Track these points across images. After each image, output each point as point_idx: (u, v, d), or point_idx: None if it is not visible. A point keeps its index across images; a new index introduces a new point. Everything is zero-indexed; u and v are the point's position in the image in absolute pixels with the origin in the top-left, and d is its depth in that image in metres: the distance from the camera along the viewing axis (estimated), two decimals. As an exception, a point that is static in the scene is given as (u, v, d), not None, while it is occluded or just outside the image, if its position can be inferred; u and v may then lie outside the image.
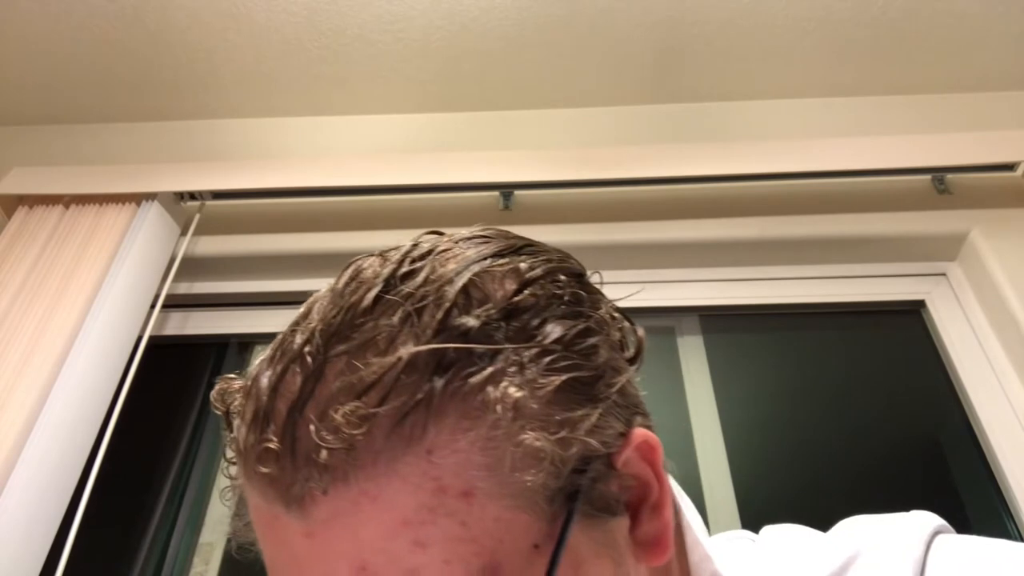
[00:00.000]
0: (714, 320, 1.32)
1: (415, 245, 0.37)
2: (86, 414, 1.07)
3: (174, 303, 1.35)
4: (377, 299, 0.33)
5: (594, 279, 0.40)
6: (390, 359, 0.31)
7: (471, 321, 0.32)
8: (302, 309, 0.37)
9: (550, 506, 0.32)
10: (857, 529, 0.41)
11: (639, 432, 0.36)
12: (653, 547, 0.36)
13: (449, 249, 0.36)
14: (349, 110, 1.50)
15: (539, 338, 0.34)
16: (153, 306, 1.24)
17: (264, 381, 0.33)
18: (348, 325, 0.33)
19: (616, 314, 0.40)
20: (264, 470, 0.32)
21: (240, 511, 0.37)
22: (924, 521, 0.39)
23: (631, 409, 0.37)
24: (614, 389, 0.36)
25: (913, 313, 1.32)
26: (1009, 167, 1.27)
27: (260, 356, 0.36)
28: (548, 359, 0.33)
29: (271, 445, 0.31)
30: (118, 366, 1.15)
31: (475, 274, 0.34)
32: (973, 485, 1.14)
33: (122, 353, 1.16)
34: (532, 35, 1.36)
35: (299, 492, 0.31)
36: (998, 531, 1.08)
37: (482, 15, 1.33)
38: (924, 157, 1.25)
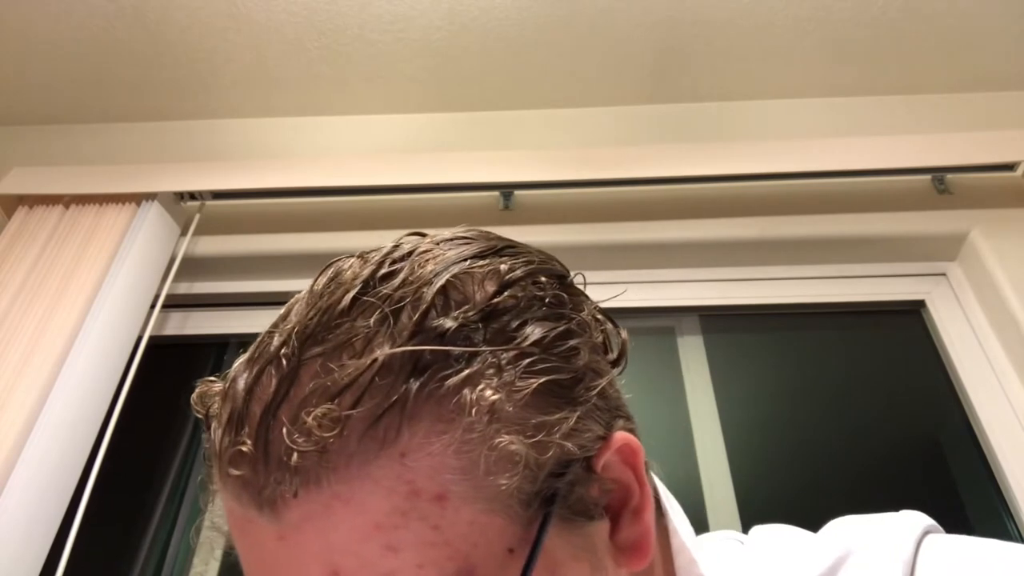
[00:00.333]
0: (714, 320, 1.32)
1: (396, 246, 0.36)
2: (86, 414, 1.07)
3: (174, 303, 1.35)
4: (354, 300, 0.33)
5: (577, 280, 0.40)
6: (365, 361, 0.31)
7: (449, 323, 0.32)
8: (282, 310, 0.36)
9: (526, 510, 0.32)
10: (847, 529, 0.41)
11: (620, 436, 0.36)
12: (633, 551, 0.36)
13: (429, 250, 0.36)
14: (349, 110, 1.50)
15: (518, 340, 0.33)
16: (153, 306, 1.24)
17: (241, 383, 0.33)
18: (324, 327, 0.32)
19: (600, 316, 0.39)
20: (237, 473, 0.31)
21: (214, 516, 0.37)
22: (914, 521, 0.39)
23: (612, 412, 0.37)
24: (594, 392, 0.35)
25: (913, 313, 1.32)
26: (1009, 167, 1.27)
27: (240, 359, 0.36)
28: (526, 361, 0.33)
29: (244, 448, 0.31)
30: (118, 366, 1.15)
31: (454, 275, 0.34)
32: (973, 485, 1.14)
33: (122, 353, 1.16)
34: (532, 35, 1.36)
35: (271, 495, 0.31)
36: (998, 531, 1.09)
37: (482, 15, 1.33)
38: (924, 157, 1.25)
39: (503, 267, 0.36)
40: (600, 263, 1.30)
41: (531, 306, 0.35)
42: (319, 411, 0.30)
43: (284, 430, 0.30)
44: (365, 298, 0.33)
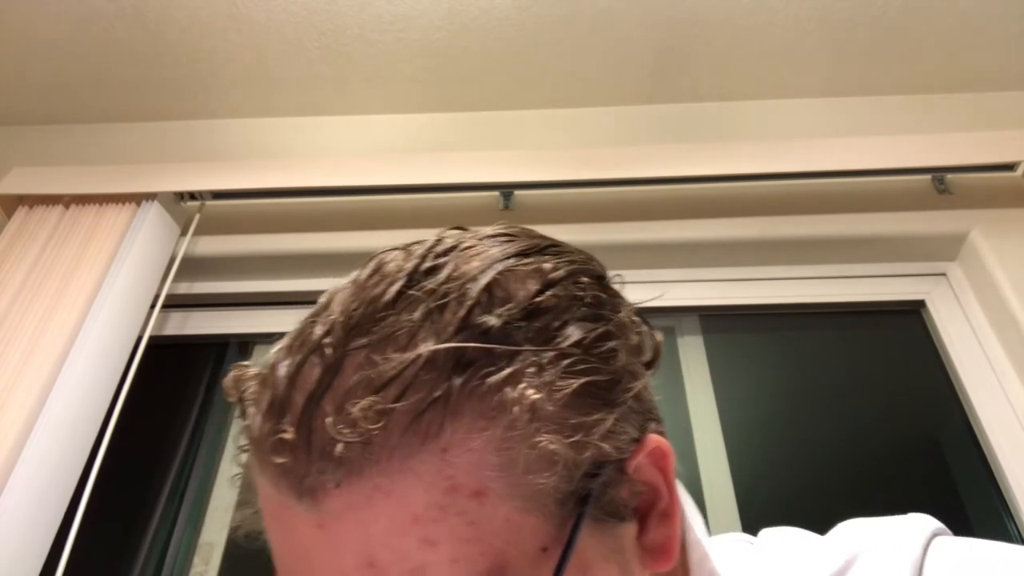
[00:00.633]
0: (714, 320, 1.32)
1: (438, 240, 0.37)
2: (86, 414, 1.07)
3: (174, 303, 1.35)
4: (399, 294, 0.33)
5: (614, 281, 0.40)
6: (410, 355, 0.31)
7: (492, 320, 0.32)
8: (322, 300, 0.36)
9: (560, 509, 0.32)
10: (855, 532, 0.41)
11: (652, 438, 0.36)
12: (660, 554, 0.36)
13: (473, 246, 0.36)
14: (349, 110, 1.50)
15: (559, 340, 0.33)
16: (153, 306, 1.24)
17: (282, 371, 0.33)
18: (369, 319, 0.32)
19: (635, 318, 0.40)
20: (278, 460, 0.31)
21: (248, 499, 0.37)
22: (922, 524, 0.39)
23: (645, 415, 0.37)
24: (630, 394, 0.35)
25: (913, 313, 1.32)
26: (1009, 167, 1.27)
27: (277, 345, 0.36)
28: (567, 362, 0.33)
29: (286, 436, 0.31)
30: (118, 366, 1.15)
31: (499, 272, 0.34)
32: (973, 485, 1.14)
33: (122, 353, 1.16)
34: (532, 35, 1.36)
35: (312, 484, 0.31)
36: (998, 531, 1.09)
37: (482, 15, 1.33)
38: (924, 157, 1.25)
39: (546, 266, 0.36)
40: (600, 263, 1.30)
41: (572, 306, 0.35)
42: (364, 402, 0.30)
43: (328, 420, 0.30)
44: (410, 292, 0.33)
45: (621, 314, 0.38)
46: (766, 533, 0.45)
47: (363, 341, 0.32)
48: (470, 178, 1.27)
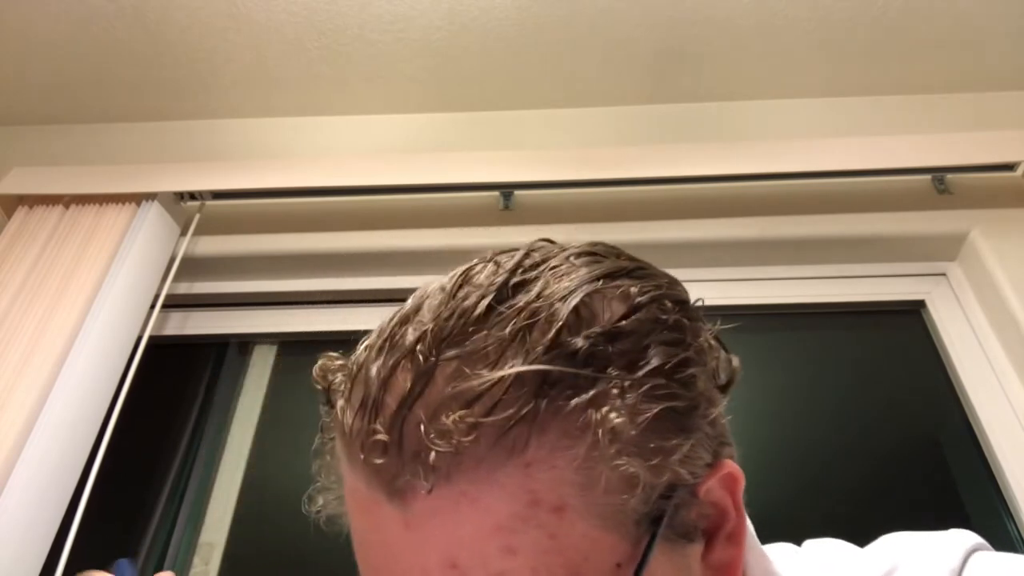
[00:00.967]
0: (714, 320, 1.32)
1: (527, 254, 0.37)
2: (86, 414, 1.07)
3: (174, 303, 1.35)
4: (489, 308, 0.34)
5: (697, 305, 0.41)
6: (499, 373, 0.32)
7: (579, 342, 0.33)
8: (410, 303, 0.37)
9: (636, 529, 0.33)
10: (896, 544, 0.42)
11: (726, 463, 0.37)
12: (723, 572, 0.37)
13: (560, 265, 0.37)
14: (349, 110, 1.50)
15: (641, 364, 0.34)
16: (153, 306, 1.24)
17: (373, 370, 0.34)
18: (460, 331, 0.33)
19: (714, 342, 0.41)
20: (372, 460, 0.33)
21: (328, 485, 0.39)
22: (962, 538, 0.40)
23: (719, 439, 0.38)
24: (707, 420, 0.36)
25: (913, 313, 1.32)
26: (1009, 167, 1.27)
27: (364, 342, 0.37)
28: (648, 386, 0.33)
29: (380, 437, 0.32)
30: (118, 366, 1.15)
31: (587, 294, 0.35)
32: (973, 485, 1.14)
33: (122, 353, 1.16)
34: (532, 35, 1.36)
35: (402, 485, 0.32)
36: (998, 531, 1.09)
37: (482, 15, 1.33)
38: (924, 157, 1.25)
39: (632, 290, 0.37)
40: (600, 263, 1.30)
41: (655, 330, 0.35)
42: (457, 415, 0.31)
43: (421, 427, 0.32)
44: (500, 308, 0.34)
45: (701, 339, 0.39)
46: (809, 544, 0.46)
47: (454, 352, 0.33)
48: (470, 178, 1.27)
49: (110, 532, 1.16)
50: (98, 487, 1.04)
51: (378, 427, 0.33)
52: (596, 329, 0.34)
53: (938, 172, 1.30)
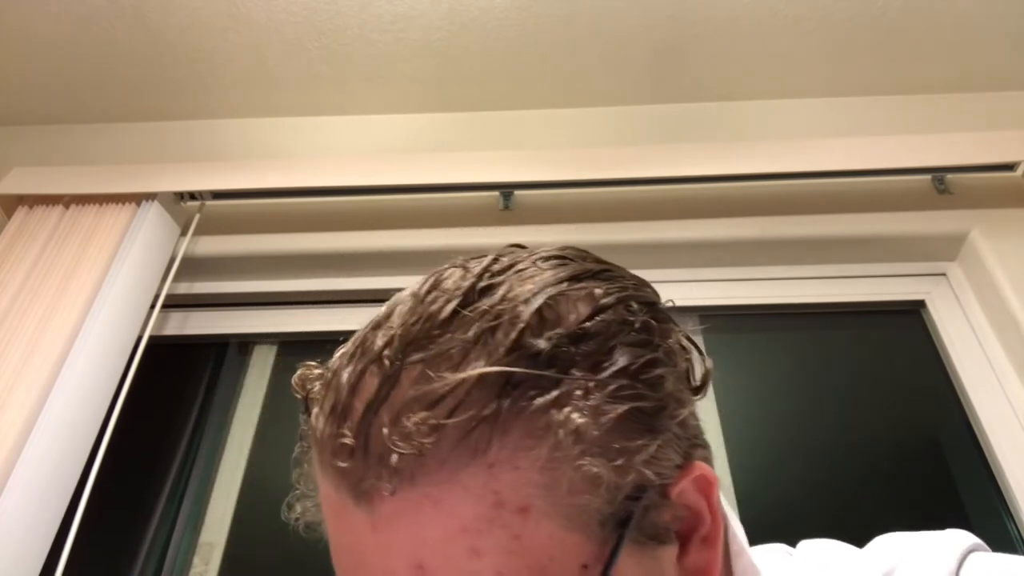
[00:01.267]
0: (714, 320, 1.32)
1: (495, 259, 0.38)
2: (86, 414, 1.07)
3: (174, 303, 1.35)
4: (454, 312, 0.34)
5: (667, 307, 0.41)
6: (461, 375, 0.32)
7: (542, 343, 0.33)
8: (384, 308, 0.38)
9: (602, 529, 0.33)
10: (892, 545, 0.42)
11: (697, 466, 0.37)
12: None
13: (527, 268, 0.37)
14: (349, 110, 1.50)
15: (606, 365, 0.34)
16: (153, 306, 1.24)
17: (344, 376, 0.35)
18: (425, 335, 0.34)
19: (686, 343, 0.40)
20: (338, 463, 0.34)
21: (308, 492, 0.39)
22: (959, 539, 0.40)
23: (691, 440, 0.38)
24: (676, 421, 0.36)
25: (913, 313, 1.32)
26: (1009, 167, 1.27)
27: (341, 350, 0.38)
28: (613, 387, 0.34)
29: (346, 440, 0.33)
30: (118, 366, 1.15)
31: (550, 297, 0.35)
32: (973, 485, 1.14)
33: (122, 353, 1.16)
34: (532, 35, 1.36)
35: (367, 488, 0.33)
36: (998, 531, 1.09)
37: (482, 15, 1.33)
38: (924, 157, 1.25)
39: (597, 291, 0.37)
40: (600, 263, 1.30)
41: (621, 331, 0.36)
42: (418, 417, 0.32)
43: (385, 430, 0.32)
44: (464, 312, 0.34)
45: (671, 340, 0.38)
46: (804, 545, 0.46)
47: (419, 356, 0.34)
48: (470, 178, 1.27)
49: (110, 532, 1.16)
50: (98, 487, 1.04)
51: (345, 431, 0.33)
52: (560, 331, 0.34)
53: (938, 172, 1.30)
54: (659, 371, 0.36)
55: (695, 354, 0.41)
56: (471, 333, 0.33)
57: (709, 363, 0.41)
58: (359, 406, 0.33)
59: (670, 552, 0.36)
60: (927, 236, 1.29)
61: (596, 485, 0.32)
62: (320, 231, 1.34)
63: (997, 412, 1.15)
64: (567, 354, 0.34)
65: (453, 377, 0.32)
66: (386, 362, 0.34)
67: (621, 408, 0.33)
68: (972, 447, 1.16)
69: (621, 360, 0.34)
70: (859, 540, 0.45)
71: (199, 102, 1.49)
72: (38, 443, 0.99)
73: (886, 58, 1.39)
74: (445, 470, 0.32)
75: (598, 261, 0.40)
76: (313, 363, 0.40)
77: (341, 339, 0.39)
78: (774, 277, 1.33)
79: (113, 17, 1.33)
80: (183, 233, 1.33)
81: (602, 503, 0.33)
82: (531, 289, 0.35)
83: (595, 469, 0.32)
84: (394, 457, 0.31)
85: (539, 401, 0.32)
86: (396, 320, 0.36)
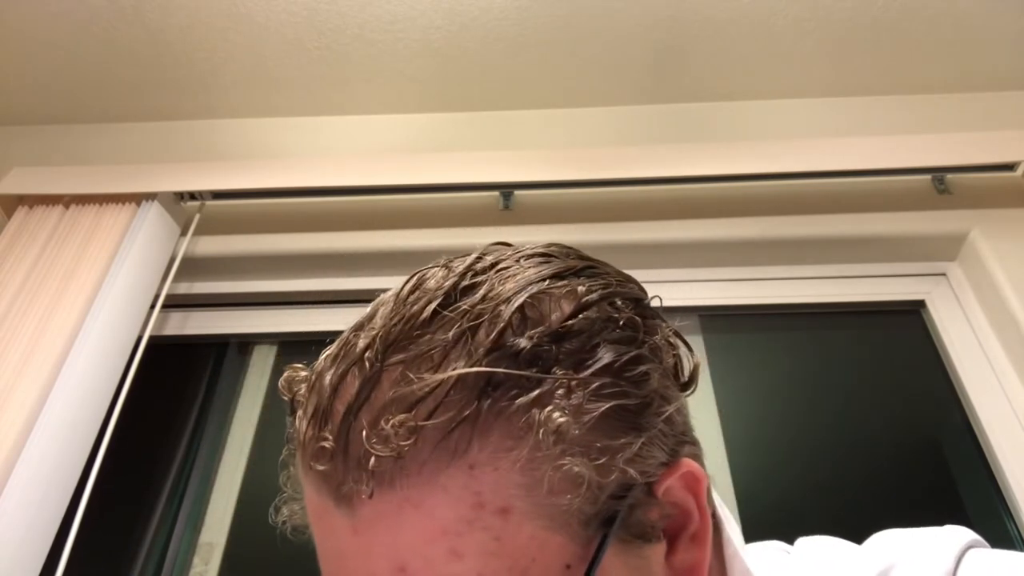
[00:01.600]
0: (714, 320, 1.32)
1: (478, 258, 0.38)
2: (86, 414, 1.07)
3: (174, 303, 1.35)
4: (435, 313, 0.34)
5: (653, 303, 0.40)
6: (440, 376, 0.32)
7: (523, 342, 0.33)
8: (368, 309, 0.38)
9: (585, 529, 0.33)
10: (891, 542, 0.42)
11: (685, 463, 0.36)
12: (688, 575, 0.36)
13: (510, 267, 0.37)
14: (349, 110, 1.50)
15: (589, 363, 0.34)
16: (153, 306, 1.24)
17: (327, 379, 0.35)
18: (406, 336, 0.34)
19: (673, 339, 0.40)
20: (318, 467, 0.33)
21: (295, 495, 0.39)
22: (958, 535, 0.40)
23: (678, 438, 0.37)
24: (661, 418, 0.36)
25: (913, 313, 1.32)
26: (1009, 167, 1.27)
27: (326, 352, 0.38)
28: (595, 385, 0.33)
29: (326, 444, 0.33)
30: (118, 366, 1.15)
31: (532, 295, 0.35)
32: (973, 485, 1.14)
33: (122, 353, 1.16)
34: (532, 35, 1.36)
35: (348, 492, 0.33)
36: (998, 531, 1.09)
37: (482, 15, 1.33)
38: (924, 157, 1.25)
39: (580, 288, 0.36)
40: (600, 263, 1.30)
41: (604, 329, 0.35)
42: (397, 419, 0.31)
43: (364, 433, 0.32)
44: (445, 312, 0.34)
45: (657, 336, 0.38)
46: (802, 542, 0.46)
47: (399, 357, 0.33)
48: (470, 178, 1.27)
49: (110, 532, 1.16)
50: (98, 487, 1.04)
51: (326, 434, 0.33)
52: (541, 329, 0.34)
53: (938, 172, 1.30)
54: (644, 368, 0.35)
55: (683, 349, 0.40)
56: (452, 333, 0.33)
57: (697, 359, 0.41)
58: (340, 408, 0.33)
59: (658, 550, 0.35)
60: (927, 236, 1.29)
61: (578, 485, 0.32)
62: (320, 231, 1.34)
63: (997, 412, 1.15)
64: (549, 353, 0.33)
65: (433, 378, 0.32)
66: (367, 364, 0.34)
67: (604, 406, 0.33)
68: (972, 447, 1.16)
69: (605, 357, 0.34)
70: (859, 540, 0.45)
71: (199, 102, 1.49)
72: (38, 443, 0.99)
73: (886, 58, 1.39)
74: (424, 472, 0.31)
75: (582, 258, 0.39)
76: (299, 365, 0.40)
77: (327, 340, 0.39)
78: (774, 277, 1.33)
79: (113, 17, 1.33)
80: (183, 233, 1.33)
81: (585, 503, 0.32)
82: (513, 288, 0.35)
83: (577, 469, 0.32)
84: (372, 460, 0.31)
85: (520, 401, 0.32)
86: (378, 321, 0.35)
